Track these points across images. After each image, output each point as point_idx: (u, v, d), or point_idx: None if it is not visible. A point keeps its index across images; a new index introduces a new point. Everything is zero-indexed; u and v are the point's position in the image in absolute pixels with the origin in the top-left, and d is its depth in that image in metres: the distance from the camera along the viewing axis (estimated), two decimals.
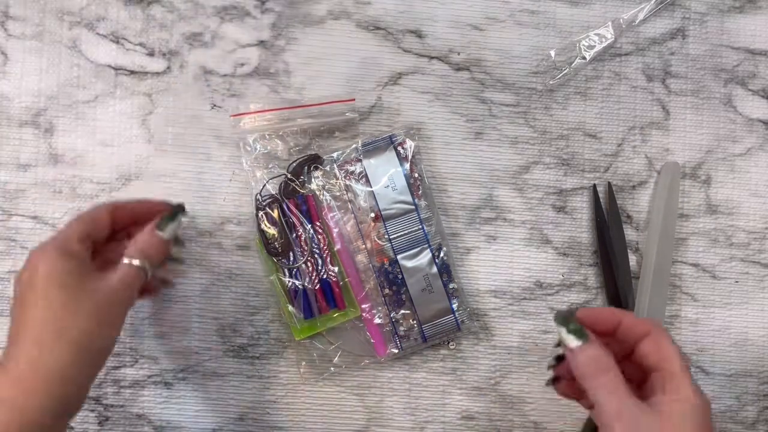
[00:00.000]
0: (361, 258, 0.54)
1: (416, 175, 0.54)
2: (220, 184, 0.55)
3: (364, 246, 0.54)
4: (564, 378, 0.44)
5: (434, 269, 0.53)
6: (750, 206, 0.57)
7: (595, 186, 0.56)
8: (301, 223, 0.53)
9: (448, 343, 0.55)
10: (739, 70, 0.57)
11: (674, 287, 0.56)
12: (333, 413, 0.55)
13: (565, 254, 0.56)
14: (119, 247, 0.47)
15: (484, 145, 0.56)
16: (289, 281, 0.53)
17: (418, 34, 0.56)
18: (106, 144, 0.55)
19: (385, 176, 0.53)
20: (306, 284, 0.53)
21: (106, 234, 0.48)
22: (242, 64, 0.55)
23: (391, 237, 0.53)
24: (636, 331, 0.42)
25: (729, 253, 0.57)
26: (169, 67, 0.55)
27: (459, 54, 0.56)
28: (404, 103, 0.56)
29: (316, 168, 0.54)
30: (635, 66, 0.57)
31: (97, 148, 0.55)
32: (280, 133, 0.54)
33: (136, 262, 0.45)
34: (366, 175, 0.53)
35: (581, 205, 0.56)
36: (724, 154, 0.57)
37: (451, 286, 0.53)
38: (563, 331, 0.41)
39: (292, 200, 0.53)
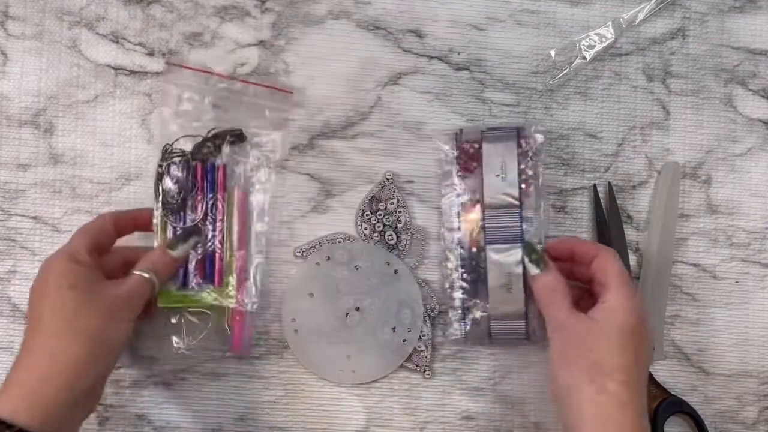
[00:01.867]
0: (450, 237, 0.53)
1: (530, 172, 0.52)
2: None
3: (458, 226, 0.53)
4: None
5: (519, 269, 0.51)
6: (750, 206, 0.57)
7: (595, 186, 0.56)
8: (204, 189, 0.52)
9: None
10: (740, 70, 0.57)
11: (674, 287, 0.56)
12: (333, 413, 0.55)
13: None
14: (121, 259, 0.49)
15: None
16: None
17: (418, 34, 0.56)
18: (105, 144, 0.55)
19: (499, 165, 0.52)
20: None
21: (112, 243, 0.50)
22: (242, 64, 0.55)
23: (486, 225, 0.52)
24: (588, 255, 0.48)
25: (729, 253, 0.57)
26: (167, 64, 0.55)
27: (459, 54, 0.56)
28: (404, 102, 0.56)
29: (233, 143, 0.53)
30: (635, 66, 0.57)
31: (96, 148, 0.55)
32: (207, 97, 0.53)
33: (146, 274, 0.47)
34: (481, 159, 0.52)
35: (581, 205, 0.56)
36: (725, 154, 0.57)
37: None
38: (527, 260, 0.49)
39: (200, 165, 0.52)
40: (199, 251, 0.51)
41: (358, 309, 0.54)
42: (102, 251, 0.48)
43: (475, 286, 0.53)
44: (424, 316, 0.54)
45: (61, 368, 0.42)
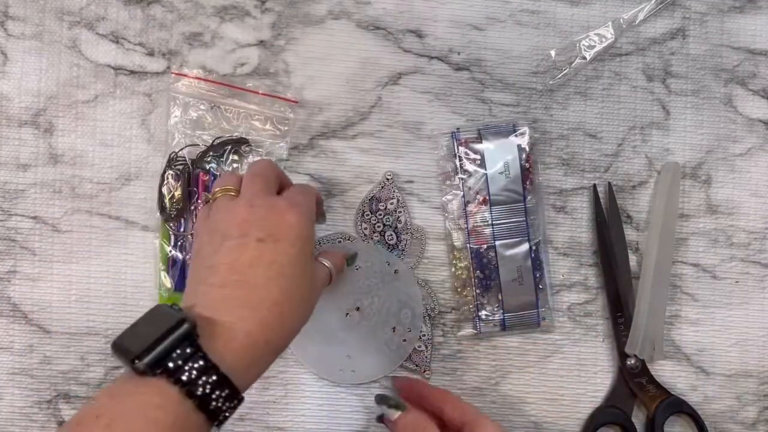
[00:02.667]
0: (458, 236, 0.54)
1: (528, 166, 0.54)
2: None
3: (465, 226, 0.54)
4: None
5: (528, 262, 0.54)
6: (750, 206, 0.57)
7: (595, 186, 0.56)
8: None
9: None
10: (740, 70, 0.57)
11: (674, 287, 0.56)
12: (333, 413, 0.55)
13: (565, 254, 0.56)
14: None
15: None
16: (170, 250, 0.53)
17: (418, 34, 0.56)
18: (105, 144, 0.55)
19: (501, 162, 0.54)
20: (187, 258, 0.52)
21: None
22: (242, 64, 0.55)
23: (494, 222, 0.53)
24: (436, 402, 0.48)
25: (729, 253, 0.57)
26: (168, 67, 0.55)
27: (459, 54, 0.56)
28: (404, 102, 0.56)
29: (236, 152, 0.54)
30: (635, 66, 0.57)
31: (96, 148, 0.55)
32: (212, 106, 0.54)
33: (330, 265, 0.47)
34: (483, 157, 0.54)
35: (581, 205, 0.56)
36: (725, 154, 0.57)
37: (540, 282, 0.54)
38: (384, 407, 0.47)
39: (202, 173, 0.53)
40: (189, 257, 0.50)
41: (358, 309, 0.54)
42: None
43: (487, 283, 0.54)
44: (424, 316, 0.54)
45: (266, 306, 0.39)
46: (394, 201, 0.55)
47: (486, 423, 0.45)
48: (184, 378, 0.34)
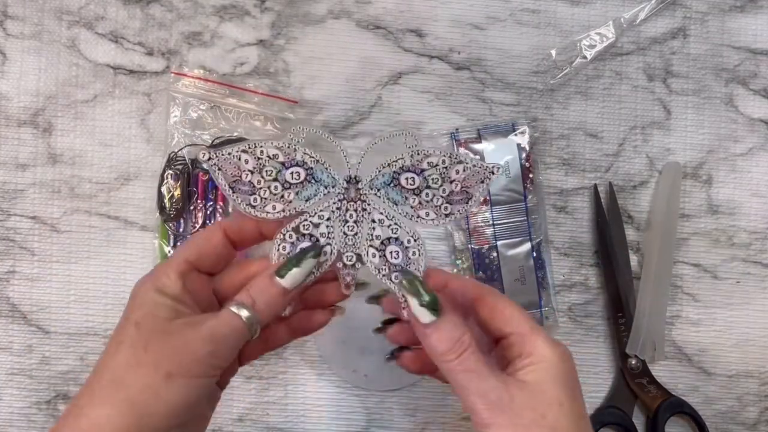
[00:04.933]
0: (459, 237, 0.54)
1: (528, 165, 0.54)
2: None
3: (466, 226, 0.54)
4: (408, 348, 0.39)
5: (531, 262, 0.54)
6: (751, 206, 0.57)
7: (596, 186, 0.56)
8: (204, 198, 0.53)
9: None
10: (741, 69, 0.57)
11: (675, 287, 0.56)
12: (333, 413, 0.55)
13: (566, 254, 0.56)
14: (244, 279, 0.37)
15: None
16: (170, 250, 0.53)
17: (419, 34, 0.56)
18: (104, 144, 0.54)
19: (501, 161, 0.54)
20: None
21: (228, 259, 0.38)
22: (242, 63, 0.55)
23: (495, 222, 0.53)
24: (467, 295, 0.38)
25: (730, 253, 0.56)
26: (168, 67, 0.55)
27: (459, 53, 0.56)
28: (404, 102, 0.56)
29: None
30: (636, 65, 0.57)
31: (95, 147, 0.54)
32: (212, 106, 0.54)
33: (243, 312, 0.35)
34: (482, 157, 0.54)
35: (582, 205, 0.56)
36: (726, 154, 0.57)
37: (543, 282, 0.54)
38: (415, 303, 0.35)
39: (202, 173, 0.53)
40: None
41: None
42: (212, 269, 0.38)
43: (489, 283, 0.54)
44: None
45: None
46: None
47: (494, 295, 0.37)
48: None
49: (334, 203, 0.38)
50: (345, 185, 0.38)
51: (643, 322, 0.54)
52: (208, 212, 0.53)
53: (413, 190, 0.38)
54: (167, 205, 0.53)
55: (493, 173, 0.37)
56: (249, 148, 0.37)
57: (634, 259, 0.56)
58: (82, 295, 0.54)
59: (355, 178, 0.38)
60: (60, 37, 0.55)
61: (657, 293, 0.54)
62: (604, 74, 0.56)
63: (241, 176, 0.37)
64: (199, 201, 0.53)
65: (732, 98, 0.57)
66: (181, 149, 0.53)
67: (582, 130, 0.56)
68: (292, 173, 0.38)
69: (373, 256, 0.38)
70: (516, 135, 0.54)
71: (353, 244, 0.38)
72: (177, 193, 0.52)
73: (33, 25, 0.54)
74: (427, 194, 0.38)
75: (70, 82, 0.54)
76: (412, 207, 0.38)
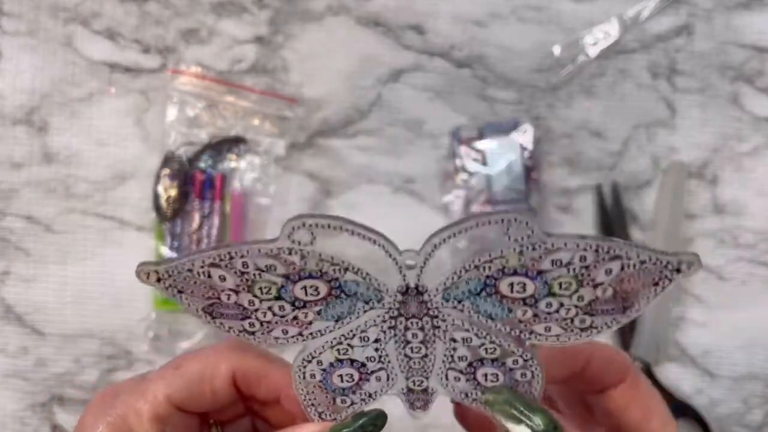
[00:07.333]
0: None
1: (531, 164, 0.53)
2: None
3: None
4: None
5: None
6: (757, 206, 0.56)
7: (600, 185, 0.55)
8: (201, 197, 0.52)
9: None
10: (746, 67, 0.56)
11: (680, 288, 0.55)
12: None
13: None
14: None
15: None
16: (166, 250, 0.52)
17: (419, 31, 0.55)
18: (100, 142, 0.54)
19: (504, 160, 0.53)
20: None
21: (226, 405, 0.29)
22: (239, 61, 0.54)
23: None
24: (610, 375, 0.29)
25: (736, 253, 0.56)
26: (164, 64, 0.54)
27: (461, 51, 0.55)
28: (405, 100, 0.55)
29: (234, 150, 0.53)
30: (640, 63, 0.56)
31: (91, 146, 0.54)
32: (209, 104, 0.53)
33: None
34: (484, 156, 0.53)
35: (586, 204, 0.56)
36: (731, 153, 0.56)
37: None
38: (522, 430, 0.25)
39: (198, 172, 0.53)
40: None
41: None
42: (206, 410, 0.28)
43: None
44: None
45: None
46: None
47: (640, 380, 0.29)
48: None
49: (382, 321, 0.26)
50: (400, 298, 0.25)
51: (647, 323, 0.53)
52: (205, 213, 0.52)
53: (523, 300, 0.25)
54: (164, 205, 0.52)
55: (679, 271, 0.24)
56: (221, 259, 0.24)
57: None
58: (78, 296, 0.53)
59: (416, 288, 0.25)
60: (56, 34, 0.54)
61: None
62: (607, 72, 0.56)
63: (219, 297, 0.25)
64: (195, 201, 0.53)
65: (737, 96, 0.56)
66: (177, 148, 0.53)
67: (585, 129, 0.56)
68: (305, 288, 0.24)
69: (456, 380, 0.28)
70: (518, 133, 0.54)
71: (421, 368, 0.28)
72: (173, 193, 0.52)
73: (28, 22, 0.54)
74: (549, 304, 0.24)
75: (65, 80, 0.54)
76: (521, 321, 0.25)
